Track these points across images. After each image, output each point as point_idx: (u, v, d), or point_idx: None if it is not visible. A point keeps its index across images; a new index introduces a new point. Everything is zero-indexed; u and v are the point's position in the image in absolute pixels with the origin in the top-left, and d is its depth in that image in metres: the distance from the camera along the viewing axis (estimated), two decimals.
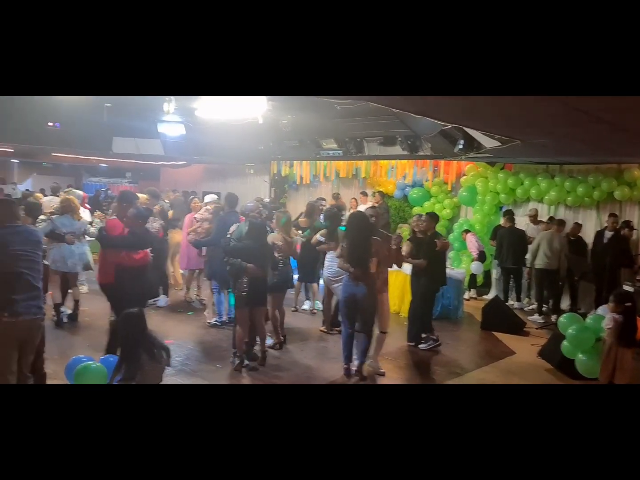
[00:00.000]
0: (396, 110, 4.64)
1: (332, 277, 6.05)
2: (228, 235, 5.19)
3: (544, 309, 7.99)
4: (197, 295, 7.81)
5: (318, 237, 5.91)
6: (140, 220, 4.79)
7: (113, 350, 4.23)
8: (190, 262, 7.47)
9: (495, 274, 9.08)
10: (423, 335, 6.09)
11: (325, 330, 6.50)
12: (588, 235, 8.24)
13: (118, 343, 3.62)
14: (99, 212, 7.70)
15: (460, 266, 9.23)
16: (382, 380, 5.01)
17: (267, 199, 10.67)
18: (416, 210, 9.90)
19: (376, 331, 5.00)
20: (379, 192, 10.06)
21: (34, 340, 3.49)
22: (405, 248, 5.89)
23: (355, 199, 10.17)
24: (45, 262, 4.64)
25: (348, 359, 4.99)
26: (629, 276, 7.23)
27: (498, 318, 7.03)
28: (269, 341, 5.76)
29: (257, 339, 5.23)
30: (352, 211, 7.90)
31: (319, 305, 7.25)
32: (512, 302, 8.40)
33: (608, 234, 7.62)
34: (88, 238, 6.65)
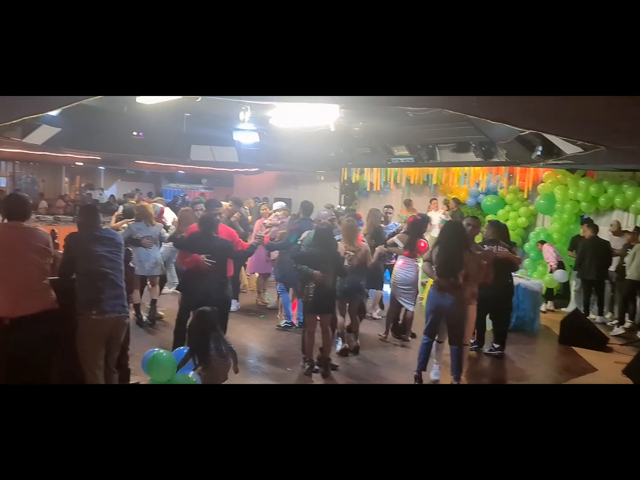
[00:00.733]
0: (472, 116, 4.53)
1: (399, 285, 6.00)
2: (299, 242, 5.30)
3: (628, 324, 7.52)
4: (261, 298, 8.02)
5: (395, 239, 5.87)
6: (202, 225, 4.91)
7: (179, 346, 4.50)
8: (258, 267, 7.68)
9: (574, 285, 8.65)
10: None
11: (385, 337, 6.42)
12: None
13: (190, 338, 4.04)
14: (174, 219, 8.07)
15: (535, 276, 8.87)
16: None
17: (338, 206, 10.74)
18: (489, 218, 9.62)
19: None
20: (454, 199, 9.86)
21: (119, 338, 3.67)
22: None
23: (436, 200, 10.10)
24: (131, 264, 4.92)
25: (421, 366, 4.91)
26: None
27: (578, 332, 6.68)
28: (338, 346, 5.80)
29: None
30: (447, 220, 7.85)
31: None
32: (593, 316, 7.97)
33: None
34: (164, 245, 6.97)
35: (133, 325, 6.06)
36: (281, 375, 5.13)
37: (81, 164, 15.89)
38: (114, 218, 8.21)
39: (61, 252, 3.79)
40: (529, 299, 7.26)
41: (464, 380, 5.01)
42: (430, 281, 5.16)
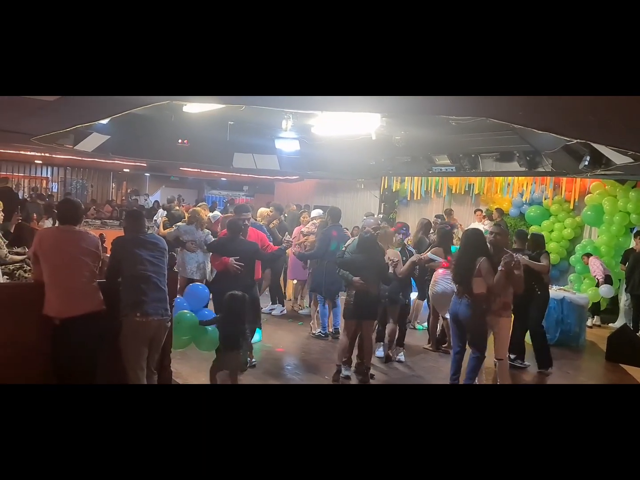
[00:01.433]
0: (517, 126, 4.46)
1: (438, 295, 5.92)
2: (343, 248, 5.36)
3: None
4: (300, 305, 8.07)
5: (429, 255, 5.80)
6: (230, 230, 5.09)
7: None
8: (296, 273, 7.74)
9: (623, 300, 8.33)
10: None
11: (430, 348, 6.39)
12: None
13: (220, 315, 4.47)
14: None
15: (582, 290, 8.59)
16: None
17: (378, 215, 10.71)
18: (533, 229, 9.40)
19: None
20: (497, 209, 9.68)
21: (160, 340, 3.75)
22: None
23: (481, 210, 10.01)
24: (175, 269, 5.04)
25: (453, 377, 4.84)
26: None
27: (627, 349, 6.42)
28: (379, 353, 5.77)
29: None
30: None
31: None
32: None
33: None
34: None
35: None
36: (319, 383, 5.13)
37: (128, 170, 16.37)
38: (161, 225, 8.44)
39: (108, 255, 3.93)
40: (574, 313, 7.03)
41: None
42: None
